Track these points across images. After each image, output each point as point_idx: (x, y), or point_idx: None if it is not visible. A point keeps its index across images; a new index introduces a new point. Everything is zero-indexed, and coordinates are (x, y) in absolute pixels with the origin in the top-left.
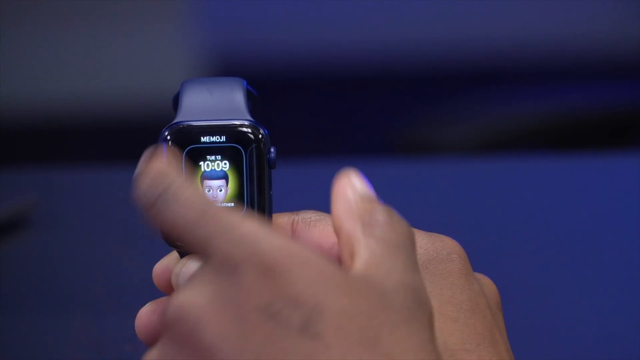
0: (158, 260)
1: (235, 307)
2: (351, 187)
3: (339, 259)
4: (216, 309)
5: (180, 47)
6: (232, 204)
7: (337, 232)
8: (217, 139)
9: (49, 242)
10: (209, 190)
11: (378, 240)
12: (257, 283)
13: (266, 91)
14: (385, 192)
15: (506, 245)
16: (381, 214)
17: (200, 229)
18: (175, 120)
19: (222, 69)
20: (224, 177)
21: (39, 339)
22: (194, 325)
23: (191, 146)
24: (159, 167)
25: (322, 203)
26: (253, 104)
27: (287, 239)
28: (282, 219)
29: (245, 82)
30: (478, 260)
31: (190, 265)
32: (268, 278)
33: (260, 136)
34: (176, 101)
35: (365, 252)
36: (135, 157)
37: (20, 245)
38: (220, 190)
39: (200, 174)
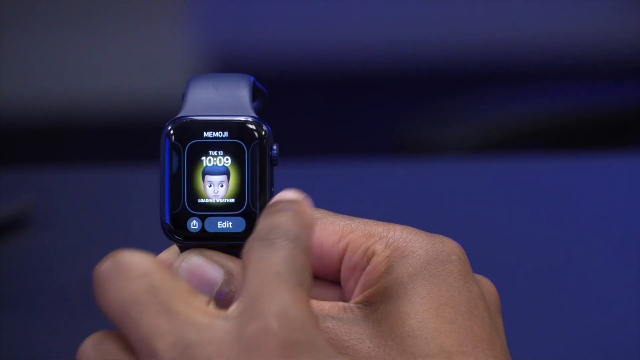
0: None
1: None
2: None
3: (340, 258)
4: None
5: (180, 47)
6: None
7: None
8: (220, 134)
9: (49, 242)
10: (210, 186)
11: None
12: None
13: (267, 90)
14: (385, 192)
15: (506, 246)
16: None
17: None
18: (178, 115)
19: (223, 69)
20: (226, 172)
21: (39, 339)
22: None
23: (193, 141)
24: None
25: (322, 202)
26: (262, 102)
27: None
28: None
29: (252, 79)
30: (477, 261)
31: (191, 260)
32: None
33: (263, 132)
34: (184, 98)
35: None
36: (135, 157)
37: (20, 245)
38: (222, 186)
39: (202, 169)
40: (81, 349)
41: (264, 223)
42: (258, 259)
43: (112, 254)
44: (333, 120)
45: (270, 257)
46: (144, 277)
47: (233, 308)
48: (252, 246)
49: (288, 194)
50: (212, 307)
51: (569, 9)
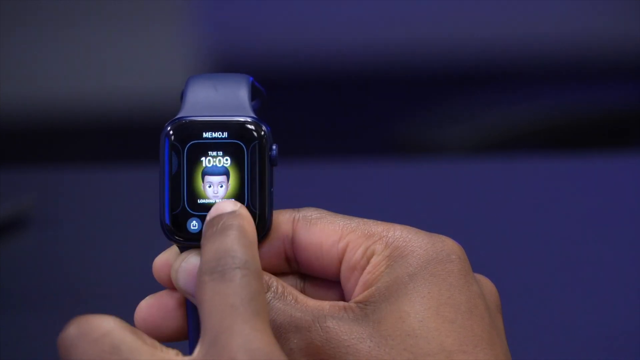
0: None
1: None
2: None
3: (340, 258)
4: None
5: (180, 47)
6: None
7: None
8: (219, 134)
9: (49, 242)
10: (209, 186)
11: None
12: None
13: (266, 91)
14: (385, 192)
15: (506, 246)
16: None
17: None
18: (178, 115)
19: (223, 68)
20: (225, 173)
21: (39, 339)
22: None
23: (193, 141)
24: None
25: (322, 202)
26: (261, 101)
27: None
28: (283, 216)
29: (251, 79)
30: (477, 261)
31: (190, 260)
32: None
33: (262, 133)
34: (183, 97)
35: None
36: (135, 157)
37: (20, 245)
38: (221, 186)
39: (201, 169)
40: None
41: (209, 250)
42: (211, 294)
43: (74, 320)
44: (333, 121)
45: (223, 291)
46: (105, 337)
47: (197, 350)
48: (203, 281)
49: (225, 206)
50: (176, 355)
51: (569, 9)
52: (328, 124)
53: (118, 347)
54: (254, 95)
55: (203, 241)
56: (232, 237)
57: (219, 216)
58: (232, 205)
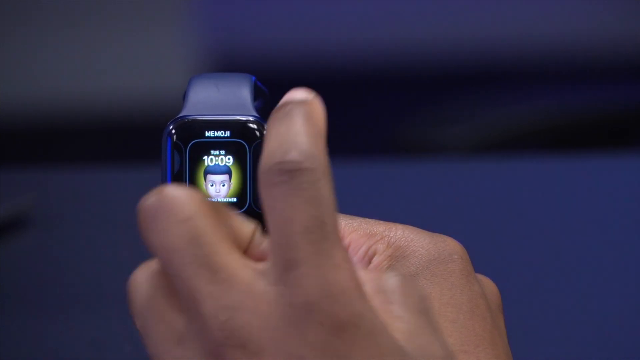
0: None
1: None
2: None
3: None
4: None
5: (181, 47)
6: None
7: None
8: (222, 133)
9: (49, 242)
10: (211, 185)
11: (406, 310)
12: None
13: (268, 90)
14: (385, 192)
15: (506, 246)
16: (392, 279)
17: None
18: (180, 114)
19: (223, 68)
20: (228, 172)
21: (39, 339)
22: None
23: (195, 140)
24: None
25: None
26: (264, 101)
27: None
28: None
29: (253, 78)
30: (478, 261)
31: None
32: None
33: (264, 132)
34: (185, 97)
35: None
36: (135, 157)
37: (20, 245)
38: (224, 185)
39: (203, 168)
40: (133, 280)
41: (273, 137)
42: (281, 207)
43: (158, 189)
44: (333, 120)
45: (294, 206)
46: (186, 222)
47: (269, 266)
48: (267, 180)
49: (297, 94)
50: (253, 267)
51: (569, 9)
52: (328, 124)
53: (197, 240)
54: (256, 95)
55: (267, 128)
56: (299, 124)
57: (287, 102)
58: (304, 93)
